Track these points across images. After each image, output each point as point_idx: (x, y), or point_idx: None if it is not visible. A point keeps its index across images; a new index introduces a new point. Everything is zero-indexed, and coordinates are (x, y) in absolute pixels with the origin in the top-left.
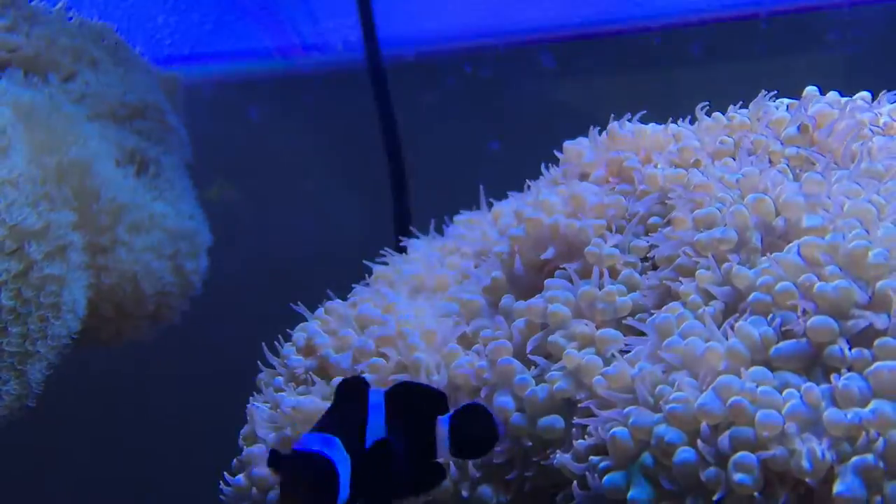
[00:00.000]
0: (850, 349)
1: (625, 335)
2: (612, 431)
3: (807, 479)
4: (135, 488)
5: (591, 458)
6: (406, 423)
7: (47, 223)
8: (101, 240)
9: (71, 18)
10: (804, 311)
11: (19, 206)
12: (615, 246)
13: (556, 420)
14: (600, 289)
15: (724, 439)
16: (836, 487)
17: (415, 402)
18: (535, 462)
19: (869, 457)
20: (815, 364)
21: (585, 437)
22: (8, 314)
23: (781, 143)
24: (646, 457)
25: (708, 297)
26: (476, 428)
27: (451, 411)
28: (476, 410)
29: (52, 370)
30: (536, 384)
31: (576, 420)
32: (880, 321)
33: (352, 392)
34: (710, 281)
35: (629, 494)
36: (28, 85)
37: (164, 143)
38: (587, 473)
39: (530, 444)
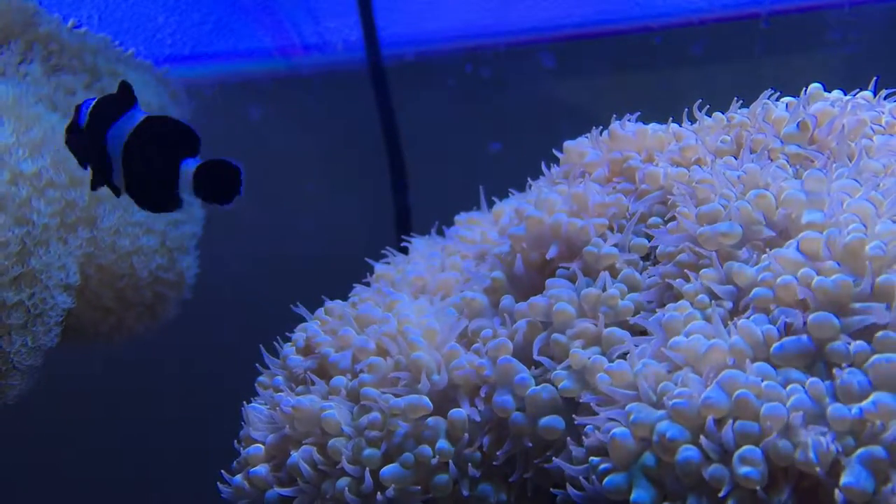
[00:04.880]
0: (851, 344)
1: (628, 332)
2: (612, 433)
3: (817, 470)
4: (135, 488)
5: (592, 458)
6: (155, 151)
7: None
8: (84, 216)
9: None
10: (804, 308)
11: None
12: (615, 245)
13: (557, 420)
14: (603, 290)
15: (728, 433)
16: (844, 479)
17: (170, 135)
18: (536, 462)
19: (875, 448)
20: (817, 360)
21: (585, 436)
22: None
23: (781, 142)
24: (647, 457)
25: (715, 295)
26: (220, 174)
27: (202, 160)
28: (224, 163)
29: (48, 363)
30: (537, 384)
31: (577, 420)
32: (880, 315)
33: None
34: (713, 279)
35: (632, 497)
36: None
37: None
38: (588, 474)
39: (531, 444)
